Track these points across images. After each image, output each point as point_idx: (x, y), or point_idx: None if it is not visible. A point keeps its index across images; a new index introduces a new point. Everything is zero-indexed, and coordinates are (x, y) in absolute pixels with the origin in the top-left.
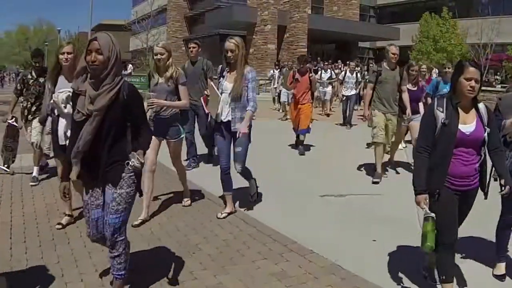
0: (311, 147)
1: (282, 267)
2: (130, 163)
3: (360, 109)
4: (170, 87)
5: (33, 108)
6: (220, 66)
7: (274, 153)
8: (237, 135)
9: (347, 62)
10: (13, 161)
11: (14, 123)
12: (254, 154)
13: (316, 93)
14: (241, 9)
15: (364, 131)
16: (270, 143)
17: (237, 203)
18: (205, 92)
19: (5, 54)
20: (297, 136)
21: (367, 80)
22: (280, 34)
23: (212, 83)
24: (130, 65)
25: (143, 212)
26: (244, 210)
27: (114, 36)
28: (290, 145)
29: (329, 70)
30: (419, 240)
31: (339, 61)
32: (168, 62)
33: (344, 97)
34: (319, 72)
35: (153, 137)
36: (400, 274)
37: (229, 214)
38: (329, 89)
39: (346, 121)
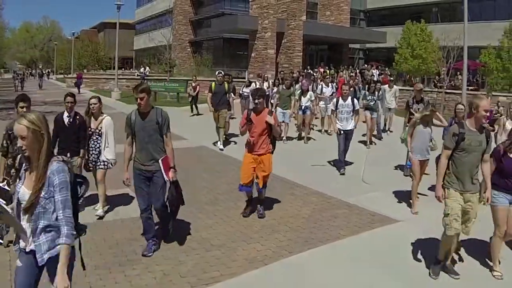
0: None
1: (293, 192)
2: None
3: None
4: None
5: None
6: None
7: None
8: None
9: (342, 75)
10: (7, 232)
11: (6, 187)
12: None
13: (318, 109)
14: (245, 18)
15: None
16: None
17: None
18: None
19: (14, 51)
20: (249, 196)
21: (444, 146)
22: (278, 40)
23: None
24: (147, 68)
25: None
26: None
27: (118, 35)
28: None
29: (330, 84)
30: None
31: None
32: None
33: (341, 132)
34: (319, 87)
35: None
36: (346, 187)
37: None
38: (331, 104)
39: (341, 166)
